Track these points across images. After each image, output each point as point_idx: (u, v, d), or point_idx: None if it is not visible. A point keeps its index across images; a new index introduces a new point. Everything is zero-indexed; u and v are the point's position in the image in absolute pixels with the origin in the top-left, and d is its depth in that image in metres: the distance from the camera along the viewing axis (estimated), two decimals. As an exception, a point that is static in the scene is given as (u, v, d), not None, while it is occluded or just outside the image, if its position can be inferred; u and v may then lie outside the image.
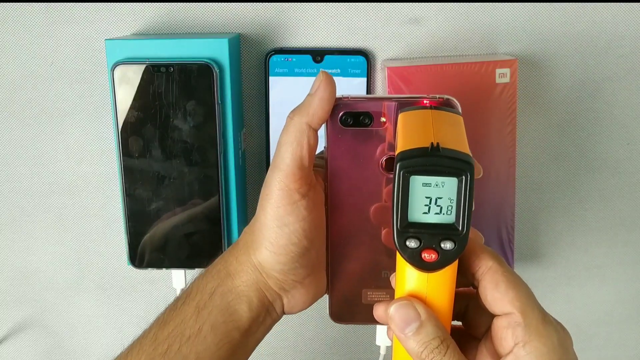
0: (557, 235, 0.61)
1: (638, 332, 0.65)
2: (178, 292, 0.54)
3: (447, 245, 0.31)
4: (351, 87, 0.55)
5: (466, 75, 0.52)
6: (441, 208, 0.31)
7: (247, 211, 0.59)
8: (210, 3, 0.54)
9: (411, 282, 0.33)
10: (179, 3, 0.54)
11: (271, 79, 0.55)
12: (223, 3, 0.54)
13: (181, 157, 0.51)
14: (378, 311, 0.35)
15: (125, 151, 0.51)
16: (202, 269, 0.40)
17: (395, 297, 0.34)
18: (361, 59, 0.55)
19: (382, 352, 0.50)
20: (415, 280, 0.33)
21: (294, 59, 0.55)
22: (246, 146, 0.57)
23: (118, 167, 0.51)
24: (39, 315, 0.63)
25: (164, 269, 0.54)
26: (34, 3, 0.54)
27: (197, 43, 0.50)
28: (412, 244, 0.31)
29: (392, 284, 0.36)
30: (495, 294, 0.33)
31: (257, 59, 0.56)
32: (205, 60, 0.49)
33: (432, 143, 0.31)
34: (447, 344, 0.32)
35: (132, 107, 0.50)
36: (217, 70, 0.49)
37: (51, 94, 0.56)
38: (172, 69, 0.49)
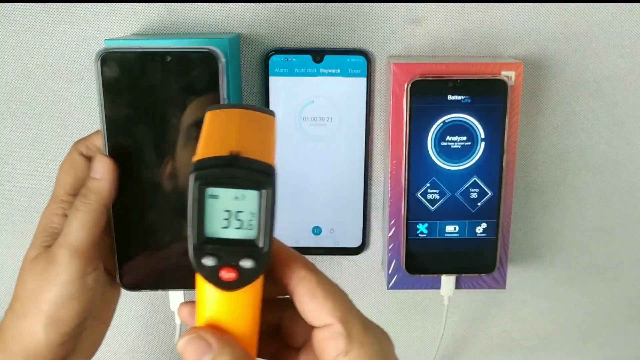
0: (557, 235, 0.61)
1: (638, 332, 0.65)
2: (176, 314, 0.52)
3: (247, 263, 0.29)
4: (351, 87, 0.55)
5: (472, 75, 0.52)
6: (242, 222, 0.29)
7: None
8: (210, 3, 0.54)
9: (210, 302, 0.31)
10: (179, 3, 0.54)
11: (271, 79, 0.55)
12: (223, 3, 0.54)
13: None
14: (182, 313, 0.34)
15: (114, 155, 0.41)
16: None
17: (196, 317, 0.32)
18: (361, 59, 0.55)
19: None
20: (215, 301, 0.31)
21: (294, 59, 0.55)
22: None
23: None
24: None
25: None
26: (34, 3, 0.54)
27: (197, 43, 0.50)
28: (209, 261, 0.29)
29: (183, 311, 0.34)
30: (312, 305, 0.31)
31: (257, 59, 0.56)
32: (208, 47, 0.41)
33: (231, 152, 0.28)
34: None
35: (121, 104, 0.41)
36: (224, 60, 0.41)
37: (51, 94, 0.56)
38: (168, 58, 0.41)
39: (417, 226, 0.55)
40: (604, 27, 0.55)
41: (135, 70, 0.40)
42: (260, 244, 0.29)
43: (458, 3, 0.55)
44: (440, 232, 0.55)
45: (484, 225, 0.55)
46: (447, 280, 0.56)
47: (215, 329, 0.31)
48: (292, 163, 0.57)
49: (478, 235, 0.55)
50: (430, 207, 0.54)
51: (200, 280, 0.30)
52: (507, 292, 0.63)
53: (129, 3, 0.54)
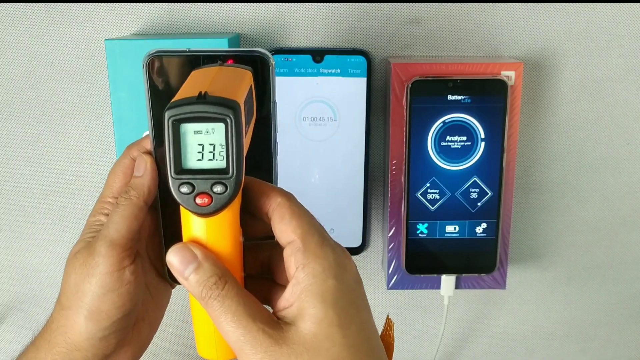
0: (557, 235, 0.61)
1: (638, 332, 0.65)
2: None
3: (218, 188, 0.32)
4: (351, 87, 0.55)
5: (472, 75, 0.52)
6: (213, 154, 0.32)
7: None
8: (210, 3, 0.54)
9: (192, 228, 0.34)
10: (179, 3, 0.54)
11: (271, 79, 0.55)
12: (223, 3, 0.54)
13: None
14: (167, 258, 0.35)
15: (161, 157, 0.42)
16: None
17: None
18: (361, 59, 0.55)
19: None
20: (195, 226, 0.34)
21: (294, 59, 0.55)
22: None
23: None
24: (38, 315, 0.63)
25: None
26: (34, 3, 0.54)
27: (197, 43, 0.50)
28: (184, 189, 0.32)
29: None
30: (281, 226, 0.34)
31: (257, 59, 0.56)
32: (258, 50, 0.39)
33: (200, 92, 0.32)
34: (225, 280, 0.33)
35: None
36: (273, 62, 0.40)
37: (51, 94, 0.56)
38: (218, 61, 0.40)
39: (417, 226, 0.55)
40: (604, 27, 0.55)
41: (183, 74, 0.41)
42: (230, 172, 0.32)
43: (458, 3, 0.55)
44: (440, 232, 0.55)
45: (484, 225, 0.55)
46: (447, 280, 0.56)
47: (201, 245, 0.34)
48: (292, 163, 0.57)
49: (478, 235, 0.55)
50: (430, 207, 0.54)
51: (183, 211, 0.34)
52: (507, 292, 0.63)
53: (129, 3, 0.54)
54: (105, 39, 0.50)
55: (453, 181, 0.54)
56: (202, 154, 0.32)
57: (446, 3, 0.54)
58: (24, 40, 0.55)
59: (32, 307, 0.63)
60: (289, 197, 0.35)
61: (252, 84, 0.37)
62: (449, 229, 0.55)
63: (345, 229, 0.58)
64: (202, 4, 0.54)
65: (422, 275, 0.56)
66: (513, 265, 0.62)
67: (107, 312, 0.37)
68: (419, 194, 0.54)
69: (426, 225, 0.55)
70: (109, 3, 0.54)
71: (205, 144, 0.32)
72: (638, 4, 0.55)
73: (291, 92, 0.55)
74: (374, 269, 0.61)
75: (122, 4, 0.54)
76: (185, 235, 0.34)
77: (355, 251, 0.59)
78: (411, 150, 0.53)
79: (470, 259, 0.56)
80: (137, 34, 0.55)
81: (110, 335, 0.38)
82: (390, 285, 0.57)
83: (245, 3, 0.54)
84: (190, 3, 0.54)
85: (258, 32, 0.55)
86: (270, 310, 0.35)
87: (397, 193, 0.55)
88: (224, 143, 0.32)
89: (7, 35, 0.55)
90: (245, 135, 0.34)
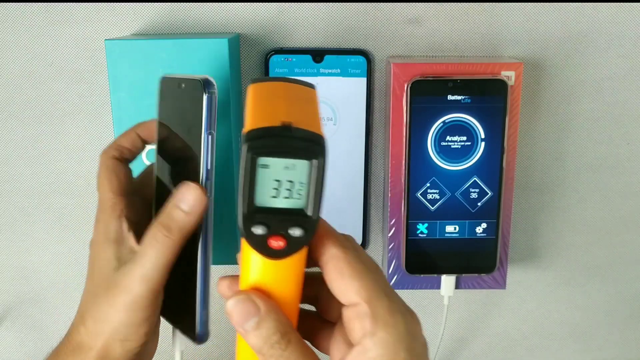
0: (557, 235, 0.61)
1: (638, 332, 0.65)
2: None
3: (296, 232, 0.29)
4: (351, 87, 0.55)
5: (472, 75, 0.52)
6: (291, 192, 0.29)
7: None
8: (210, 3, 0.54)
9: (256, 271, 0.31)
10: (179, 3, 0.54)
11: (271, 79, 0.55)
12: (223, 3, 0.54)
13: None
14: (221, 287, 0.34)
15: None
16: None
17: (240, 284, 0.32)
18: (361, 59, 0.55)
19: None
20: (260, 268, 0.31)
21: (294, 59, 0.55)
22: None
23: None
24: (39, 315, 0.63)
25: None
26: (34, 3, 0.54)
27: (197, 43, 0.50)
28: (259, 230, 0.29)
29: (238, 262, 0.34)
30: (340, 284, 0.31)
31: (257, 59, 0.56)
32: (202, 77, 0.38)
33: (283, 122, 0.28)
34: (289, 338, 0.31)
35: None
36: (215, 91, 0.38)
37: (51, 94, 0.56)
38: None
39: (417, 226, 0.55)
40: (603, 27, 0.55)
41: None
42: (309, 213, 0.29)
43: (458, 3, 0.55)
44: (440, 232, 0.55)
45: (484, 225, 0.55)
46: (447, 280, 0.56)
47: (262, 294, 0.31)
48: (292, 163, 0.57)
49: (478, 235, 0.55)
50: (430, 207, 0.54)
51: (247, 249, 0.31)
52: (507, 292, 0.63)
53: (129, 3, 0.54)
54: (105, 39, 0.50)
55: (453, 181, 0.54)
56: (278, 191, 0.29)
57: (446, 3, 0.54)
58: (24, 40, 0.55)
59: (32, 307, 0.63)
60: (345, 248, 0.32)
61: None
62: (449, 229, 0.55)
63: (345, 229, 0.58)
64: (202, 4, 0.54)
65: (422, 275, 0.56)
66: (513, 265, 0.62)
67: (135, 340, 0.37)
68: (419, 194, 0.54)
69: (426, 225, 0.55)
70: (109, 3, 0.54)
71: (282, 180, 0.29)
72: (638, 4, 0.55)
73: (291, 92, 0.55)
74: (374, 269, 0.61)
75: (122, 4, 0.54)
76: (245, 278, 0.32)
77: (355, 251, 0.59)
78: (411, 150, 0.53)
79: (470, 259, 0.55)
80: (137, 34, 0.55)
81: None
82: (390, 285, 0.57)
83: (245, 3, 0.54)
84: (190, 3, 0.54)
85: (258, 32, 0.55)
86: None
87: (397, 193, 0.55)
88: (304, 181, 0.29)
89: (7, 35, 0.55)
90: None
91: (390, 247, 0.56)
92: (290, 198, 0.29)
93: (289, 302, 0.32)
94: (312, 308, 0.37)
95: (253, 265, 0.31)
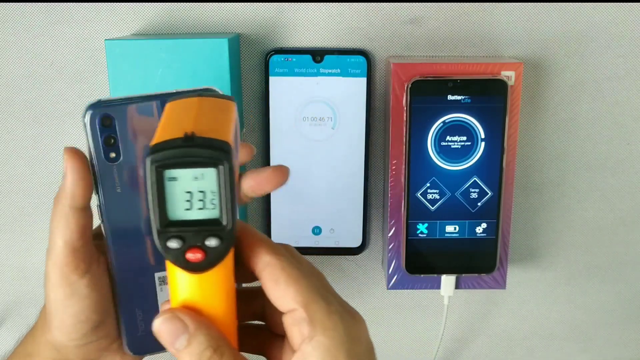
0: (557, 235, 0.61)
1: (638, 332, 0.65)
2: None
3: (212, 242, 0.29)
4: (351, 87, 0.55)
5: (472, 75, 0.52)
6: (204, 203, 0.29)
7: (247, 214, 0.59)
8: (210, 3, 0.54)
9: (182, 287, 0.30)
10: (179, 3, 0.54)
11: (271, 79, 0.55)
12: (223, 3, 0.54)
13: None
14: (162, 307, 0.33)
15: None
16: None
17: (171, 302, 0.32)
18: (361, 59, 0.55)
19: None
20: (186, 285, 0.30)
21: (294, 59, 0.55)
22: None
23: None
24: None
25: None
26: (34, 3, 0.54)
27: (197, 43, 0.50)
28: (174, 244, 0.29)
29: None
30: (275, 292, 0.31)
31: (257, 59, 0.56)
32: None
33: (186, 133, 0.28)
34: (222, 352, 0.30)
35: None
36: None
37: (51, 94, 0.56)
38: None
39: (417, 226, 0.55)
40: (603, 27, 0.55)
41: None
42: (224, 222, 0.29)
43: (458, 3, 0.55)
44: (440, 232, 0.55)
45: (484, 225, 0.55)
46: (447, 280, 0.56)
47: (191, 310, 0.31)
48: (292, 163, 0.57)
49: (478, 235, 0.55)
50: (430, 207, 0.54)
51: (169, 265, 0.30)
52: (507, 292, 0.63)
53: (129, 3, 0.54)
54: (105, 39, 0.50)
55: (453, 181, 0.54)
56: (191, 203, 0.29)
57: (446, 3, 0.54)
58: (24, 40, 0.55)
59: (32, 307, 0.62)
60: (279, 255, 0.31)
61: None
62: (449, 229, 0.55)
63: (345, 229, 0.58)
64: (202, 4, 0.54)
65: (422, 275, 0.56)
66: (513, 265, 0.62)
67: (73, 326, 0.35)
68: (419, 194, 0.54)
69: (426, 225, 0.55)
70: (109, 3, 0.54)
71: (194, 191, 0.28)
72: (638, 4, 0.55)
73: (291, 92, 0.55)
74: (374, 269, 0.61)
75: (122, 4, 0.54)
76: (174, 296, 0.31)
77: (355, 251, 0.59)
78: (411, 150, 0.53)
79: (470, 259, 0.56)
80: (137, 34, 0.55)
81: (93, 341, 0.37)
82: (390, 285, 0.57)
83: (245, 3, 0.54)
84: (190, 3, 0.54)
85: (258, 32, 0.55)
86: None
87: (397, 193, 0.55)
88: (215, 190, 0.28)
89: (7, 35, 0.55)
90: (237, 178, 0.31)
91: (390, 247, 0.56)
92: (204, 209, 0.29)
93: (222, 317, 0.31)
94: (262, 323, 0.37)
95: (178, 282, 0.31)
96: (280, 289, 0.31)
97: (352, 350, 0.30)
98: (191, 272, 0.30)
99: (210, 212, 0.29)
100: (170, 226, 0.29)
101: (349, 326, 0.31)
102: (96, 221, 0.37)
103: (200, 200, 0.29)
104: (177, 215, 0.29)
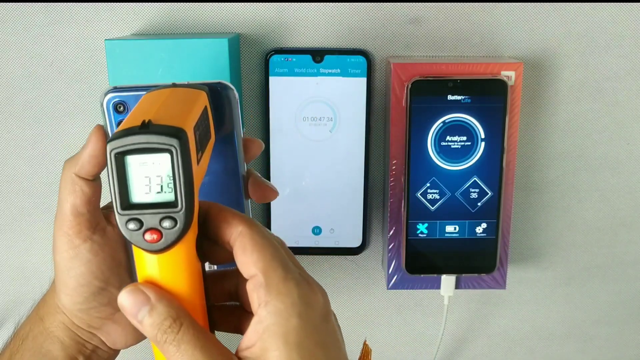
0: (557, 235, 0.61)
1: (638, 332, 0.65)
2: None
3: (167, 223, 0.30)
4: (351, 87, 0.55)
5: (472, 75, 0.52)
6: (161, 187, 0.30)
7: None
8: (210, 3, 0.54)
9: (145, 266, 0.32)
10: (179, 3, 0.54)
11: (271, 79, 0.55)
12: (223, 3, 0.54)
13: None
14: (118, 300, 0.34)
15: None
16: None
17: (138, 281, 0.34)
18: (361, 59, 0.55)
19: None
20: (148, 264, 0.32)
21: (294, 59, 0.55)
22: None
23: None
24: (39, 315, 0.63)
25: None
26: (34, 3, 0.54)
27: (197, 43, 0.50)
28: (132, 225, 0.30)
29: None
30: (242, 259, 0.32)
31: (257, 59, 0.56)
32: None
33: (143, 120, 0.30)
34: (181, 322, 0.31)
35: None
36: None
37: (51, 94, 0.56)
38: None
39: (417, 226, 0.55)
40: (603, 27, 0.55)
41: None
42: (179, 205, 0.30)
43: (458, 3, 0.55)
44: (440, 232, 0.55)
45: (484, 225, 0.55)
46: (447, 280, 0.56)
47: (154, 285, 0.32)
48: (292, 163, 0.57)
49: (478, 235, 0.55)
50: (430, 207, 0.54)
51: (135, 247, 0.32)
52: (507, 292, 0.63)
53: (129, 3, 0.54)
54: (105, 39, 0.50)
55: (453, 181, 0.54)
56: (150, 187, 0.30)
57: (446, 3, 0.54)
58: (24, 40, 0.55)
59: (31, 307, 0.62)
60: (251, 225, 0.33)
61: (208, 105, 0.35)
62: (449, 229, 0.55)
63: (345, 229, 0.58)
64: (202, 4, 0.54)
65: (422, 275, 0.56)
66: (513, 265, 0.62)
67: (75, 289, 0.37)
68: (419, 194, 0.54)
69: (426, 225, 0.55)
70: (109, 3, 0.54)
71: (151, 176, 0.30)
72: (638, 4, 0.55)
73: (291, 92, 0.55)
74: (374, 269, 0.61)
75: (122, 4, 0.54)
76: (140, 274, 0.33)
77: (355, 251, 0.59)
78: (411, 150, 0.53)
79: (470, 259, 0.56)
80: (137, 34, 0.55)
81: (95, 307, 0.38)
82: (390, 285, 0.57)
83: (245, 3, 0.54)
84: (190, 3, 0.54)
85: (258, 32, 0.55)
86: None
87: (397, 193, 0.55)
88: (171, 174, 0.30)
89: (7, 35, 0.55)
90: (199, 162, 0.32)
91: (390, 247, 0.56)
92: (162, 192, 0.30)
93: (186, 295, 0.32)
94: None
95: (141, 261, 0.32)
96: (246, 256, 0.32)
97: (305, 314, 0.31)
98: (150, 252, 0.31)
99: (166, 196, 0.30)
100: (130, 209, 0.30)
101: (305, 294, 0.32)
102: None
103: (158, 184, 0.30)
104: (136, 199, 0.31)
